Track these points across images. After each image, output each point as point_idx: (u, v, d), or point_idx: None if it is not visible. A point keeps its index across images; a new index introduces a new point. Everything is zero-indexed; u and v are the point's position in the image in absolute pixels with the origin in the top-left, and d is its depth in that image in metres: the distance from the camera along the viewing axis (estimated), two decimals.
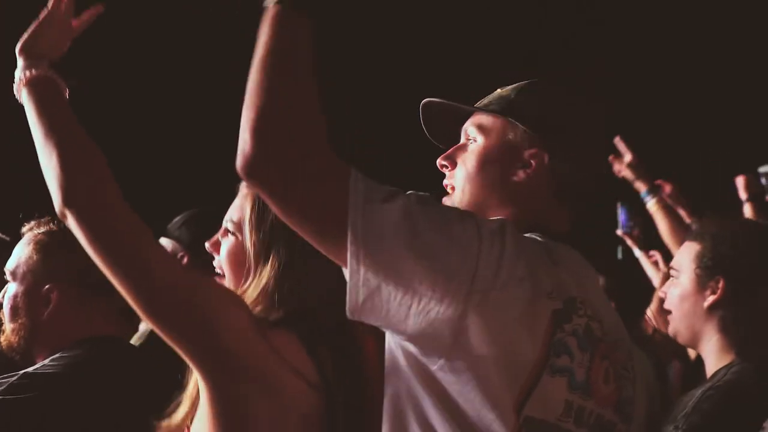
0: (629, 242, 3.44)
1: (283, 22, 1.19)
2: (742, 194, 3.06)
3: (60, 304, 1.81)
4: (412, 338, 1.16)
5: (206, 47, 4.81)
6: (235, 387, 1.27)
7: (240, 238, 1.43)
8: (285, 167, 1.14)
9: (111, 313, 1.83)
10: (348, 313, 1.16)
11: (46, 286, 1.81)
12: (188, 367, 1.33)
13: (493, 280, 1.14)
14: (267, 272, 1.37)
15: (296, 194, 1.15)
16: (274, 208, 1.19)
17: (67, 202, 1.31)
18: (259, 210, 1.40)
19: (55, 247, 1.82)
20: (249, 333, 1.28)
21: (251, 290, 1.38)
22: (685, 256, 1.84)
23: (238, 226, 1.44)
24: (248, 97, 1.16)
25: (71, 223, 1.31)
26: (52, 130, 1.37)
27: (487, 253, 1.15)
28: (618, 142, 3.08)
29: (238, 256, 1.43)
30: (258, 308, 1.35)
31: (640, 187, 3.06)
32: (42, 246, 1.83)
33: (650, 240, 3.33)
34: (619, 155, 3.07)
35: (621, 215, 3.47)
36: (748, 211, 3.02)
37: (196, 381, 1.34)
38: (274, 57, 1.17)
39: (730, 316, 1.78)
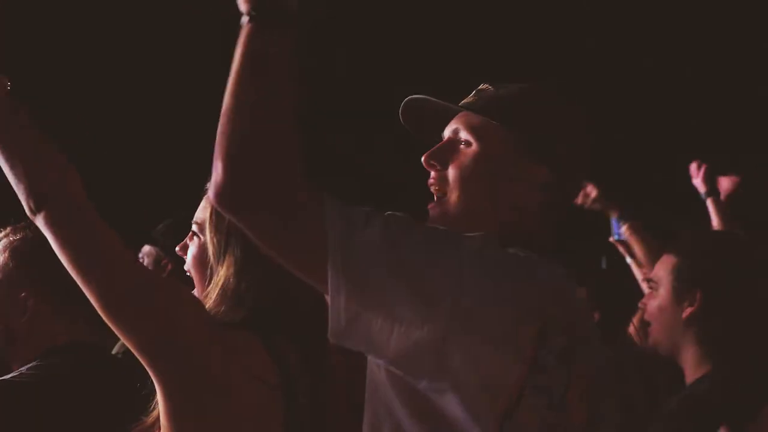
0: (621, 250, 3.42)
1: (255, 40, 1.14)
2: (701, 187, 3.04)
3: (37, 311, 1.79)
4: (394, 362, 1.14)
5: (193, 50, 4.80)
6: (189, 390, 1.28)
7: (202, 239, 1.43)
8: (259, 198, 1.11)
9: (90, 320, 1.81)
10: (330, 338, 1.14)
11: (22, 294, 1.79)
12: None
13: (475, 303, 1.12)
14: (224, 272, 1.38)
15: (272, 224, 1.13)
16: (251, 237, 1.17)
17: (36, 205, 1.31)
18: (218, 211, 1.40)
19: (32, 254, 1.80)
20: (205, 336, 1.29)
21: (212, 290, 1.39)
22: (663, 268, 1.86)
23: (201, 227, 1.45)
24: (222, 120, 1.13)
25: (40, 224, 1.32)
26: (9, 136, 1.36)
27: (469, 276, 1.13)
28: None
29: (200, 258, 1.44)
30: (221, 309, 1.36)
31: (611, 215, 3.09)
32: (18, 253, 1.81)
33: None
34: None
35: (613, 223, 3.46)
36: (710, 208, 3.00)
37: None
38: (247, 79, 1.13)
39: (707, 328, 1.78)
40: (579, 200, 3.10)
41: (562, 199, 1.33)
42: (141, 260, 2.67)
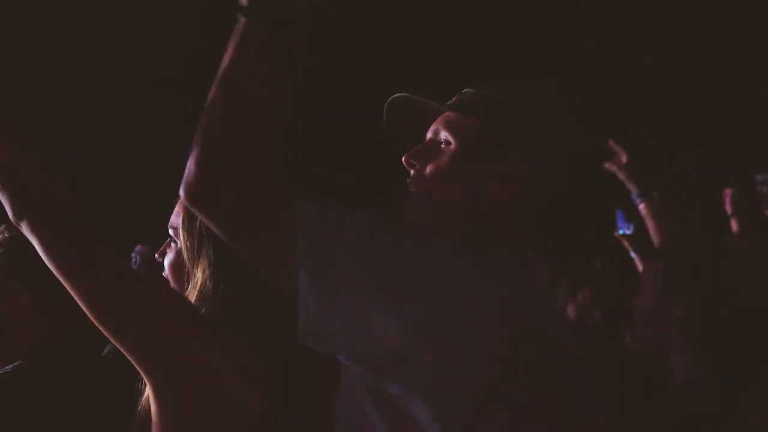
0: (626, 244, 3.42)
1: (250, 40, 1.13)
2: (728, 208, 3.03)
3: (27, 306, 1.78)
4: (362, 365, 1.13)
5: (195, 48, 4.81)
6: (182, 392, 1.28)
7: (178, 244, 1.43)
8: (229, 194, 1.11)
9: (81, 321, 1.80)
10: (299, 338, 1.12)
11: (13, 287, 1.78)
12: None
13: (445, 308, 1.11)
14: (200, 275, 1.38)
15: (239, 222, 1.13)
16: (216, 232, 1.16)
17: (19, 215, 1.31)
18: (189, 214, 1.41)
19: (24, 249, 1.78)
20: (197, 337, 1.29)
21: (190, 294, 1.39)
22: (652, 271, 1.86)
23: (176, 232, 1.45)
24: (203, 117, 1.13)
25: (25, 232, 1.32)
26: None
27: (439, 281, 1.12)
28: (612, 144, 3.08)
29: (176, 263, 1.45)
30: (202, 311, 1.36)
31: (632, 189, 3.06)
32: (11, 246, 1.80)
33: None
34: (614, 156, 3.08)
35: (619, 217, 3.46)
36: (734, 225, 2.99)
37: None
38: (235, 79, 1.13)
39: (695, 330, 1.79)
40: (608, 165, 3.07)
41: (548, 198, 1.30)
42: (135, 259, 2.68)
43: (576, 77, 5.17)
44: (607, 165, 3.06)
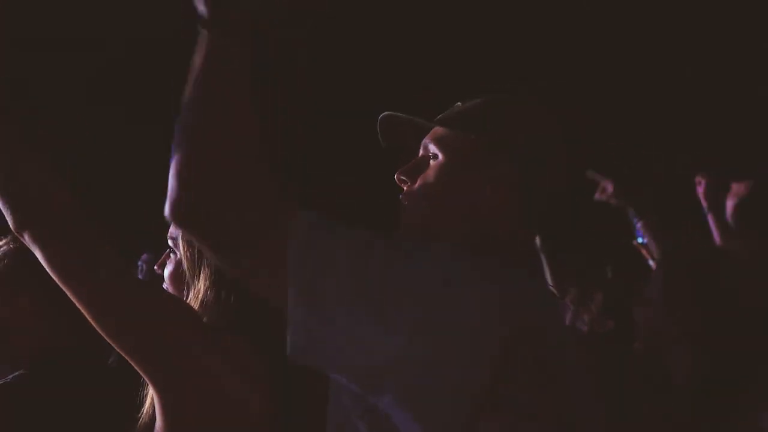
0: (644, 253, 3.42)
1: (214, 51, 1.13)
2: (702, 200, 3.03)
3: (29, 310, 1.78)
4: (357, 379, 1.12)
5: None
6: (185, 394, 1.28)
7: (178, 254, 1.43)
8: (215, 218, 1.09)
9: (82, 325, 1.80)
10: (289, 356, 1.11)
11: (15, 291, 1.78)
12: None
13: (440, 314, 1.10)
14: (201, 285, 1.39)
15: (228, 247, 1.11)
16: (205, 252, 1.16)
17: (20, 226, 1.31)
18: None
19: (27, 254, 1.79)
20: (199, 341, 1.30)
21: (192, 303, 1.39)
22: (654, 274, 1.88)
23: (175, 243, 1.46)
24: (178, 134, 1.11)
25: (27, 243, 1.31)
26: None
27: (434, 287, 1.12)
28: (593, 174, 3.11)
29: (176, 273, 1.46)
30: (205, 320, 1.36)
31: (629, 211, 3.09)
32: (14, 251, 1.80)
33: None
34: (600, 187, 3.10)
35: (637, 226, 3.46)
36: (711, 224, 2.98)
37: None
38: (205, 92, 1.12)
39: (695, 330, 1.80)
40: (597, 196, 3.09)
41: (548, 198, 1.32)
42: (141, 267, 2.68)
43: (577, 78, 5.17)
44: (597, 196, 3.09)
